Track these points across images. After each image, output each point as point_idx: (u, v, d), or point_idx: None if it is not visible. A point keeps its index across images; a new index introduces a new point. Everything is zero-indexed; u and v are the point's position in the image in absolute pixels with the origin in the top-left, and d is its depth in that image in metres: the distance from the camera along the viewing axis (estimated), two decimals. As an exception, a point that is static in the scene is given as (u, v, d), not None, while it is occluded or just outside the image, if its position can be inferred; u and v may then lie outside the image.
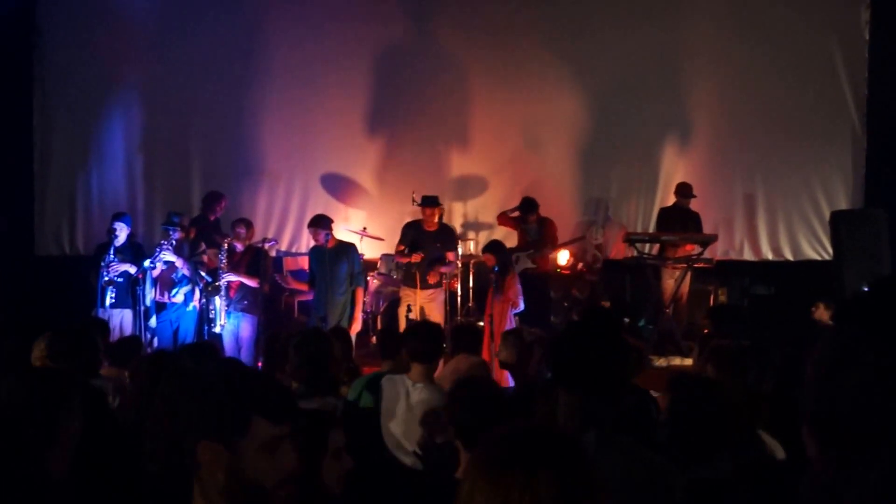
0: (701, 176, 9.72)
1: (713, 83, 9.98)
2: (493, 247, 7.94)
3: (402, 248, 8.08)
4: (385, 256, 9.22)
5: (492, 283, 7.95)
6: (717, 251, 9.36)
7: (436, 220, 8.11)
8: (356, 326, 7.62)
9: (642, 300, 9.16)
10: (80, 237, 10.50)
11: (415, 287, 7.88)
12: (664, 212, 9.23)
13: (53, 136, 10.57)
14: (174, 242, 7.62)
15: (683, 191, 9.09)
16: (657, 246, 9.01)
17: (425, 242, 7.97)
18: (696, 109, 10.04)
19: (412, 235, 8.07)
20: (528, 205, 9.18)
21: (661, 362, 7.98)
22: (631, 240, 8.53)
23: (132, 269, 7.53)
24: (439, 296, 8.03)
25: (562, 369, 2.33)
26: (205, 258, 7.84)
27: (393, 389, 4.07)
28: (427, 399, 3.94)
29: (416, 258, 7.87)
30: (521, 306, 7.69)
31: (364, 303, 8.16)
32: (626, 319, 9.02)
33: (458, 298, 9.00)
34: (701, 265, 8.48)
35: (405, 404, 3.98)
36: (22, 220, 10.43)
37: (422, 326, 4.34)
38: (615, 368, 2.30)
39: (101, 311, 7.48)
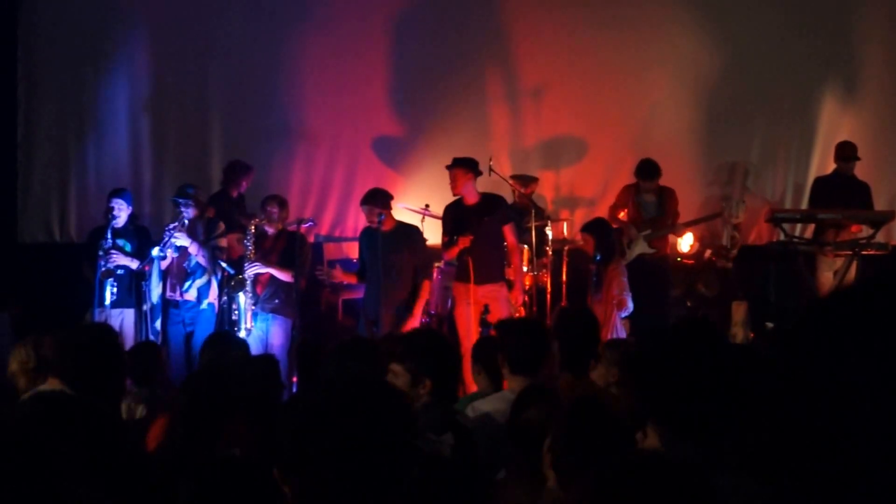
0: (873, 135, 9.57)
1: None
2: (594, 226, 7.72)
3: (448, 238, 7.82)
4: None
5: (591, 276, 7.74)
6: (893, 234, 9.22)
7: (465, 187, 7.72)
8: (412, 323, 7.54)
9: (791, 299, 8.97)
10: (73, 220, 10.59)
11: (468, 281, 7.59)
12: (822, 182, 9.10)
13: (40, 93, 10.65)
14: (186, 222, 7.65)
15: (845, 153, 8.91)
16: (812, 227, 8.92)
17: (469, 222, 7.65)
18: (869, 44, 9.84)
19: (454, 218, 7.75)
20: (647, 169, 8.77)
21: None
22: (777, 219, 8.50)
23: (134, 265, 7.60)
24: (501, 292, 7.77)
25: (652, 405, 2.33)
26: (223, 242, 7.87)
27: (497, 429, 3.67)
28: None
29: (464, 242, 7.52)
30: (630, 306, 7.39)
31: (426, 302, 8.07)
32: (769, 324, 8.89)
33: (548, 296, 8.80)
34: (872, 252, 8.37)
35: None
36: (1, 200, 10.53)
37: (519, 325, 4.20)
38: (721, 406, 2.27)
39: (97, 311, 7.56)
